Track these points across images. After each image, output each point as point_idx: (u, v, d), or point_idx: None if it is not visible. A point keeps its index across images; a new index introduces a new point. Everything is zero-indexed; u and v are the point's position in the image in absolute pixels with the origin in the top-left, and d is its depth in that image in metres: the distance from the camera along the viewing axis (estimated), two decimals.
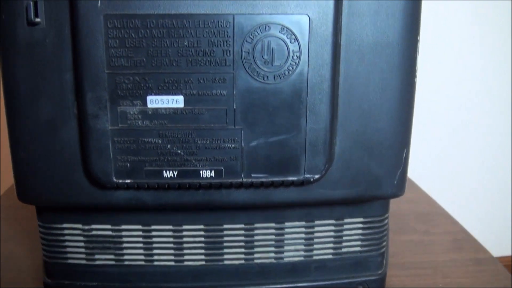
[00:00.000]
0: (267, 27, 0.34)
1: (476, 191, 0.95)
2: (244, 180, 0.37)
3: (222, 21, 0.34)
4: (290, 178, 0.38)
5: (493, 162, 0.94)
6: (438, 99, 0.90)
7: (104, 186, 0.38)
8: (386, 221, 0.45)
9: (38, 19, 0.35)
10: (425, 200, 0.69)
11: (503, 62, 0.88)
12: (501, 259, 0.95)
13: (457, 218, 0.63)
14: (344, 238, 0.44)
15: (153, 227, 0.43)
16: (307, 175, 0.38)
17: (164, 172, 0.37)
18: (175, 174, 0.37)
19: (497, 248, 0.94)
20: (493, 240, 0.86)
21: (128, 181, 0.37)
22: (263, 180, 0.37)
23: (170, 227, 0.43)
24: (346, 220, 0.44)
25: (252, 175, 0.37)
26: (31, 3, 0.34)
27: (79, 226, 0.43)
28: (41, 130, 0.37)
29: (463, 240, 0.57)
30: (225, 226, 0.43)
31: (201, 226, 0.43)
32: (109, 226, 0.43)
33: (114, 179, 0.37)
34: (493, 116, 0.92)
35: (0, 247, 0.54)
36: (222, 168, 0.37)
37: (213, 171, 0.37)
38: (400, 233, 0.58)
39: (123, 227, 0.42)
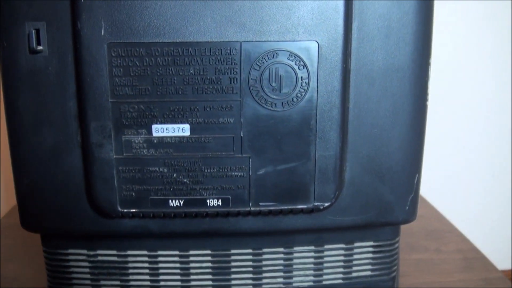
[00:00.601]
0: (275, 54, 0.33)
1: (485, 204, 0.94)
2: (252, 208, 0.36)
3: (228, 48, 0.33)
4: (299, 206, 0.37)
5: (502, 173, 0.93)
6: (446, 111, 0.88)
7: (108, 215, 0.37)
8: (397, 245, 0.44)
9: (40, 47, 0.34)
10: (435, 216, 0.67)
11: None
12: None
13: (464, 230, 0.62)
14: (354, 262, 0.43)
15: (159, 252, 0.42)
16: (316, 203, 0.36)
17: (170, 201, 0.36)
18: (181, 203, 0.36)
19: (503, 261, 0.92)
20: (498, 253, 0.85)
21: (133, 210, 0.36)
22: (272, 208, 0.36)
23: (177, 252, 0.42)
24: (356, 244, 0.43)
25: (260, 204, 0.36)
26: (33, 31, 0.33)
27: (84, 251, 0.42)
28: (45, 158, 0.36)
29: (474, 259, 0.56)
30: (233, 251, 0.42)
31: (208, 251, 0.42)
32: (114, 252, 0.42)
33: (119, 208, 0.36)
34: (503, 128, 0.90)
35: (0, 268, 0.53)
36: (229, 196, 0.36)
37: (220, 200, 0.36)
38: (411, 252, 0.57)
39: (129, 252, 0.42)
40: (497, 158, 0.92)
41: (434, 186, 0.87)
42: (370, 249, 0.43)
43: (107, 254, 0.42)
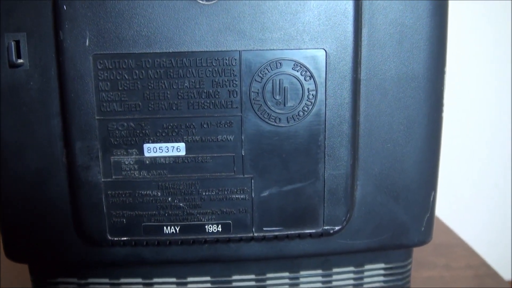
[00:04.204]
0: (279, 64, 0.29)
1: (487, 213, 0.90)
2: (255, 234, 0.32)
3: (227, 58, 0.29)
4: (308, 231, 0.32)
5: (506, 182, 0.89)
6: (449, 116, 0.85)
7: (97, 244, 0.32)
8: (409, 266, 0.39)
9: (20, 60, 0.29)
10: (441, 229, 0.63)
11: None
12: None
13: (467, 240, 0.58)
14: (365, 286, 0.39)
15: (155, 280, 0.37)
16: (326, 227, 0.32)
17: (164, 228, 0.31)
18: (177, 229, 0.31)
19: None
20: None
21: (125, 238, 0.32)
22: (277, 233, 0.32)
23: (174, 279, 0.37)
24: (366, 267, 0.38)
25: (264, 229, 0.32)
26: (13, 43, 0.29)
27: (75, 280, 0.37)
28: (28, 183, 0.32)
29: (485, 275, 0.51)
30: (234, 277, 0.37)
31: (208, 278, 0.37)
32: (107, 280, 0.37)
33: (109, 237, 0.32)
34: (505, 136, 0.87)
35: None
36: (230, 221, 0.32)
37: (220, 226, 0.32)
38: (419, 269, 0.52)
39: (122, 280, 0.37)
40: (500, 167, 0.88)
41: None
42: (381, 271, 0.39)
43: (99, 283, 0.37)
